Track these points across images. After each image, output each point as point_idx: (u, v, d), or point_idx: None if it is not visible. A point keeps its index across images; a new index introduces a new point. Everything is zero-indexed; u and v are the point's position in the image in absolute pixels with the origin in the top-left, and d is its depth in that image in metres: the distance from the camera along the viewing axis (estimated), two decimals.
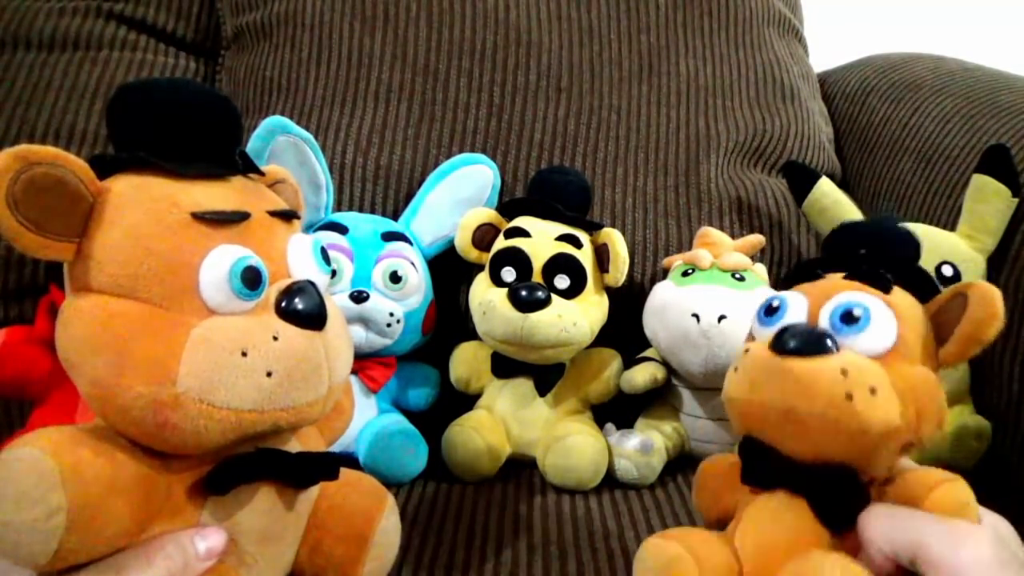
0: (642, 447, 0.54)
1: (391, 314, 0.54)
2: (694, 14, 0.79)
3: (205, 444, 0.27)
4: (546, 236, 0.57)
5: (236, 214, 0.29)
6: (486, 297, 0.55)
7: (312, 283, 0.30)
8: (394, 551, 0.37)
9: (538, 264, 0.56)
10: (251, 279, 0.28)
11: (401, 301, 0.56)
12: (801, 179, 0.68)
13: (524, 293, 0.53)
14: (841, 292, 0.33)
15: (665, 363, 0.59)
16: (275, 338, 0.28)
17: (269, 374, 0.27)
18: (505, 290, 0.54)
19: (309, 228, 0.57)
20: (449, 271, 0.64)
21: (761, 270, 0.60)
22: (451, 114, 0.70)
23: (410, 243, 0.60)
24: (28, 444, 0.24)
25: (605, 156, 0.71)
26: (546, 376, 0.57)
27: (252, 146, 0.52)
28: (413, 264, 0.57)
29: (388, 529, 0.36)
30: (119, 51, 0.72)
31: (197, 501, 0.29)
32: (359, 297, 0.53)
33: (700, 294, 0.55)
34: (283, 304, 0.29)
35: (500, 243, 0.58)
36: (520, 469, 0.57)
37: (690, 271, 0.58)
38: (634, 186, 0.70)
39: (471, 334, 0.59)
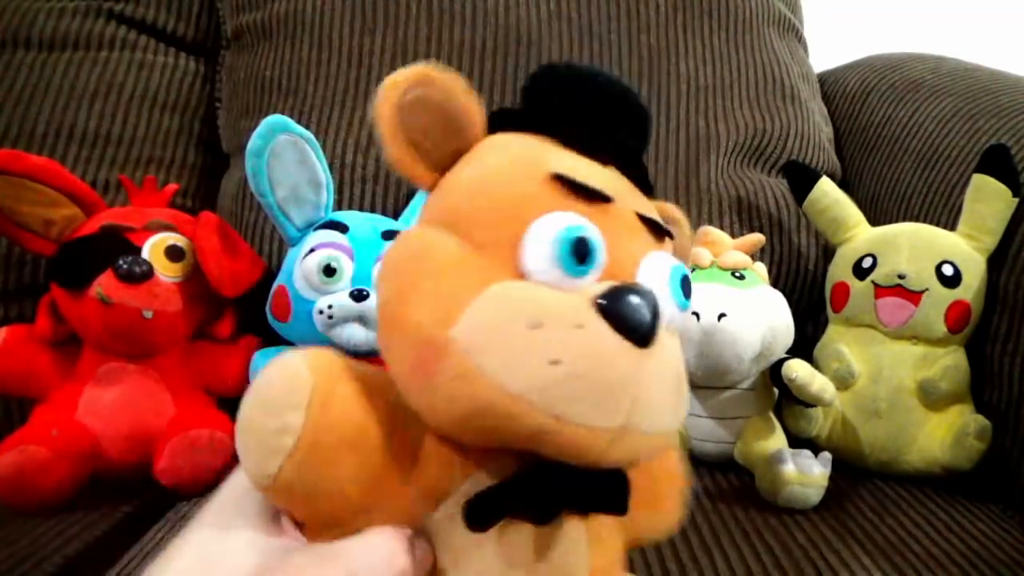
0: None
1: None
2: (694, 14, 0.79)
3: (444, 419, 0.23)
4: None
5: (599, 192, 0.25)
6: None
7: (653, 293, 0.24)
8: None
9: None
10: (581, 253, 0.23)
11: None
12: (801, 179, 0.68)
13: None
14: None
15: None
16: (580, 326, 0.22)
17: (556, 363, 0.21)
18: None
19: (309, 227, 0.57)
20: None
21: (761, 269, 0.60)
22: None
23: None
24: (301, 355, 0.23)
25: None
26: None
27: (252, 145, 0.52)
28: None
29: None
30: (119, 51, 0.72)
31: (426, 506, 0.24)
32: (359, 296, 0.53)
33: (700, 293, 0.55)
34: (605, 299, 0.23)
35: None
36: None
37: (690, 270, 0.58)
38: None
39: None
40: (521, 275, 0.23)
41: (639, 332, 0.22)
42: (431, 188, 0.27)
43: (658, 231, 0.27)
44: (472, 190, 0.25)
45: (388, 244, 0.57)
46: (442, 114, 0.26)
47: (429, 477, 0.24)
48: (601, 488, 0.25)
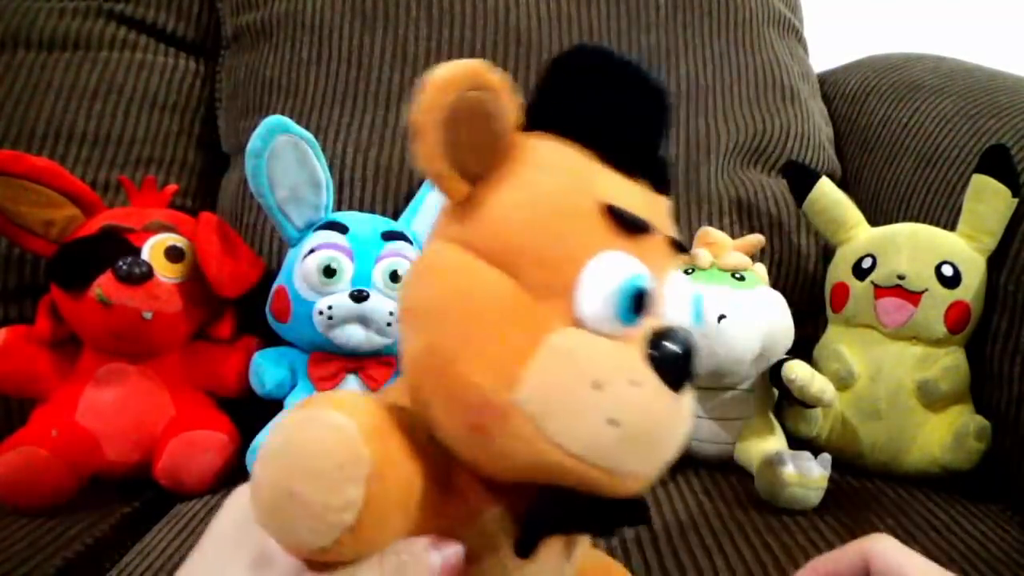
0: None
1: (391, 313, 0.54)
2: (694, 15, 0.79)
3: (501, 471, 0.23)
4: None
5: (645, 224, 0.24)
6: None
7: (689, 335, 0.24)
8: None
9: None
10: (640, 306, 0.23)
11: None
12: (801, 179, 0.68)
13: None
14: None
15: None
16: (635, 383, 0.22)
17: (614, 423, 0.22)
18: None
19: (309, 228, 0.57)
20: None
21: (761, 270, 0.60)
22: None
23: (410, 243, 0.60)
24: (344, 411, 0.21)
25: None
26: None
27: (252, 146, 0.52)
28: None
29: None
30: (119, 51, 0.72)
31: (452, 532, 0.24)
32: (359, 296, 0.53)
33: (700, 293, 0.55)
34: (655, 350, 0.23)
35: None
36: None
37: (690, 271, 0.58)
38: None
39: None
40: (574, 319, 0.23)
41: (681, 381, 0.23)
42: (460, 200, 0.24)
43: (679, 250, 0.26)
44: (524, 222, 0.23)
45: (388, 245, 0.57)
46: (490, 122, 0.23)
47: (459, 510, 0.24)
48: (623, 506, 0.25)
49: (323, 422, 0.20)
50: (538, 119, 0.25)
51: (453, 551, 0.23)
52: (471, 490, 0.24)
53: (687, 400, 0.24)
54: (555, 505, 0.24)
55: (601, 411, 0.22)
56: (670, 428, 0.23)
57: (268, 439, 0.21)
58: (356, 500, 0.20)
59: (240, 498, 0.25)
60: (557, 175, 0.24)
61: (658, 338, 0.23)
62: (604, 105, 0.25)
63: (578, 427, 0.21)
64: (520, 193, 0.24)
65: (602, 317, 0.23)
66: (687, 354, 0.23)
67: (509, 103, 0.23)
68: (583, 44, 0.25)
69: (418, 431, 0.23)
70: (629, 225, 0.23)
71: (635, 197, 0.25)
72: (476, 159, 0.24)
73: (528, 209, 0.23)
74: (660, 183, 0.26)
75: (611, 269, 0.23)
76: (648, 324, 0.23)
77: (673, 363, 0.23)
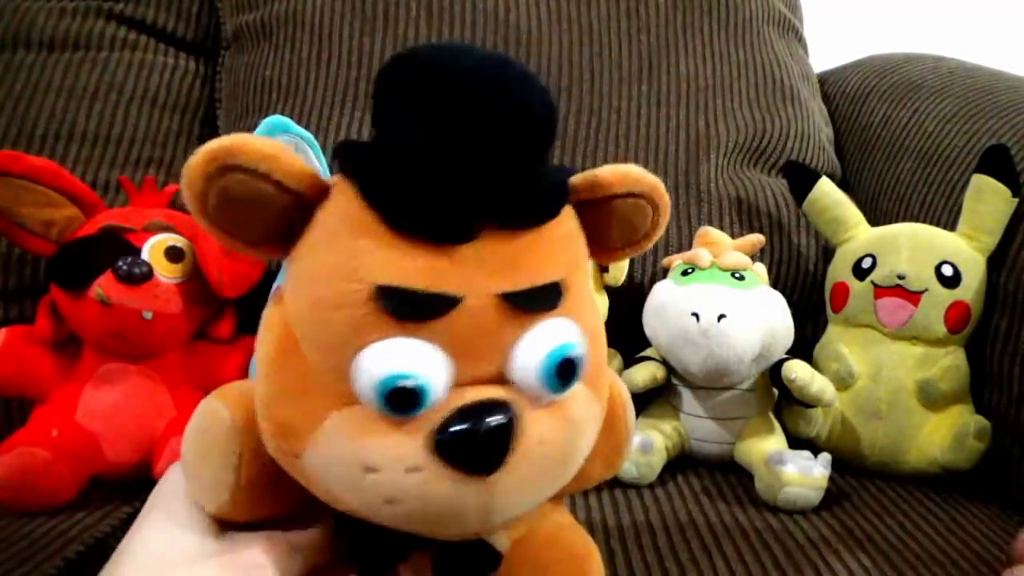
0: (642, 446, 0.54)
1: None
2: (694, 14, 0.79)
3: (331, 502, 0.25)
4: None
5: (430, 303, 0.22)
6: None
7: (506, 410, 0.22)
8: None
9: None
10: (402, 402, 0.22)
11: None
12: (801, 179, 0.68)
13: None
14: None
15: (665, 362, 0.59)
16: (415, 470, 0.22)
17: (392, 503, 0.22)
18: None
19: None
20: None
21: (761, 269, 0.60)
22: None
23: None
24: (224, 401, 0.25)
25: (605, 156, 0.71)
26: None
27: None
28: None
29: None
30: (119, 51, 0.72)
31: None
32: None
33: (700, 293, 0.55)
34: (441, 436, 0.22)
35: None
36: None
37: (690, 270, 0.58)
38: None
39: None
40: (356, 401, 0.22)
41: (479, 466, 0.22)
42: (285, 257, 0.24)
43: (533, 306, 0.23)
44: (304, 307, 0.23)
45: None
46: (258, 199, 0.22)
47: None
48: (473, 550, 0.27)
49: (208, 412, 0.25)
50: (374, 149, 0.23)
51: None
52: None
53: (509, 473, 0.22)
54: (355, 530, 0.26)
55: (377, 493, 0.22)
56: (463, 509, 0.22)
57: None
58: (228, 480, 0.24)
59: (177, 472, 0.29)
60: (336, 255, 0.22)
61: (449, 421, 0.22)
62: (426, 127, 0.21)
63: (358, 500, 0.23)
64: (311, 265, 0.23)
65: (375, 406, 0.22)
66: (485, 434, 0.22)
67: (274, 172, 0.22)
68: (405, 56, 0.22)
69: None
70: (402, 313, 0.22)
71: (432, 264, 0.22)
72: (265, 231, 0.23)
73: (306, 292, 0.23)
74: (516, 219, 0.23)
75: (373, 364, 0.21)
76: (452, 403, 0.22)
77: (463, 450, 0.22)
